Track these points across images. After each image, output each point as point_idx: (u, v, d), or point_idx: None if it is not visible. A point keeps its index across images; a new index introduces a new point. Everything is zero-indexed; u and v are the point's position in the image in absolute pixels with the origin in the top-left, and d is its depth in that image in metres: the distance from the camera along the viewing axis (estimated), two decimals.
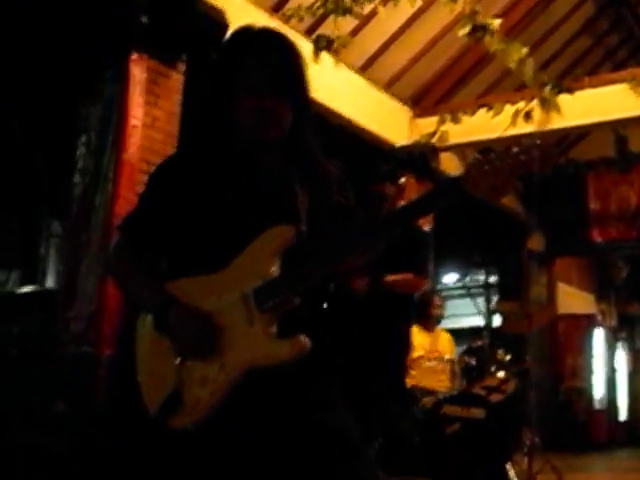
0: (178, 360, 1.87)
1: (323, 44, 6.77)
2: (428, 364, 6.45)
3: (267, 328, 1.80)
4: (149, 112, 5.35)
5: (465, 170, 1.72)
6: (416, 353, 6.23)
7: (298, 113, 1.95)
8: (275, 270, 1.82)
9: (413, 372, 6.17)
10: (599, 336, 12.92)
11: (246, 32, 1.99)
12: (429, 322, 6.62)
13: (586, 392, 12.09)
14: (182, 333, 1.85)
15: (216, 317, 1.84)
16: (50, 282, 8.34)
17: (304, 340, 1.77)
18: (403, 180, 4.72)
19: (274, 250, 1.83)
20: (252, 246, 1.84)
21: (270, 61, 1.91)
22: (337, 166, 2.08)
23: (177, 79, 5.59)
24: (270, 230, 1.84)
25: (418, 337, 6.24)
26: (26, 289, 7.54)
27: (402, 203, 4.55)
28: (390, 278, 4.29)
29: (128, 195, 5.14)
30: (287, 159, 1.99)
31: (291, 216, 1.89)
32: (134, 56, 5.26)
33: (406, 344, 4.88)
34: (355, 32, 7.19)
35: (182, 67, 5.62)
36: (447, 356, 6.59)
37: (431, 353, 6.52)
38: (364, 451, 1.89)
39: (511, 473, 5.47)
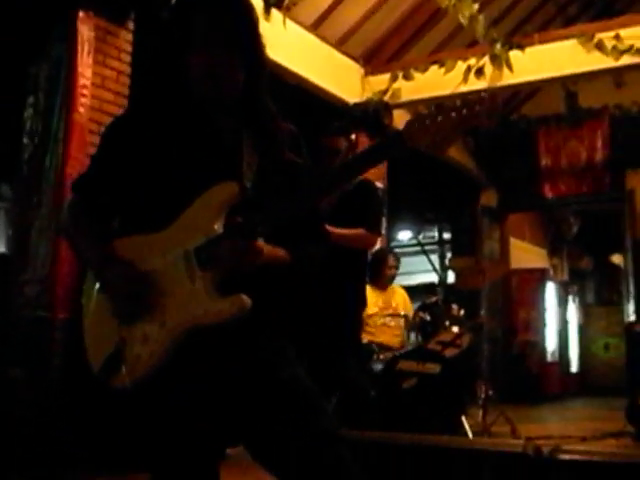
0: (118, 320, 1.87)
1: (273, 1, 6.68)
2: (382, 320, 6.52)
3: (208, 286, 1.80)
4: (98, 71, 5.26)
5: (406, 124, 1.73)
6: (369, 310, 6.30)
7: (251, 70, 1.94)
8: (218, 227, 1.81)
9: (369, 328, 6.24)
10: (551, 290, 13.14)
11: None
12: (382, 281, 6.67)
13: (539, 345, 12.31)
14: (115, 292, 1.85)
15: (159, 275, 1.84)
16: (1, 246, 8.24)
17: (244, 298, 1.77)
18: (354, 136, 4.72)
19: (218, 207, 1.82)
20: (196, 203, 1.84)
21: (219, 17, 1.89)
22: (291, 126, 2.07)
23: (126, 37, 5.49)
24: (214, 187, 1.83)
25: (371, 295, 6.30)
26: None
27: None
28: (340, 231, 4.29)
29: (78, 156, 5.06)
30: (239, 117, 1.98)
31: (236, 174, 1.88)
32: (82, 14, 5.14)
33: (361, 300, 4.91)
34: None
35: (131, 25, 5.53)
36: (401, 312, 6.66)
37: (385, 309, 6.58)
38: (317, 400, 1.90)
39: (466, 425, 5.58)
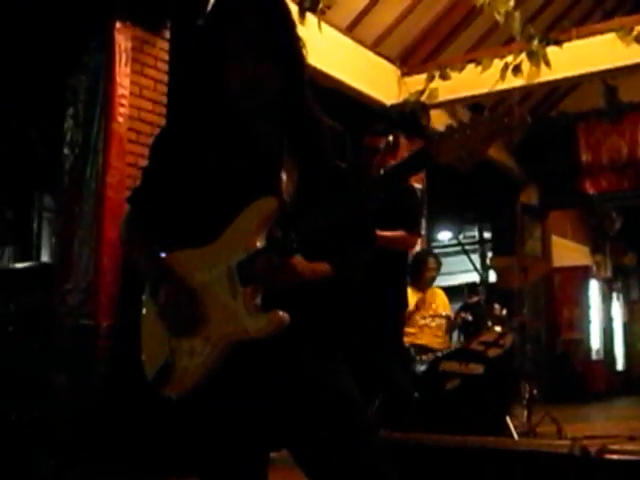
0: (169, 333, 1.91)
1: (308, 5, 6.69)
2: (424, 321, 6.49)
3: (248, 302, 1.81)
4: (136, 81, 5.31)
5: (435, 139, 1.72)
6: (409, 311, 6.29)
7: (290, 75, 1.93)
8: (260, 243, 1.82)
9: (409, 329, 6.22)
10: (594, 288, 13.00)
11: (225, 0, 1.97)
12: (422, 282, 6.64)
13: (583, 343, 12.18)
14: (166, 308, 1.88)
15: (205, 290, 1.87)
16: (45, 256, 8.35)
17: (282, 315, 1.78)
18: (391, 137, 4.73)
19: (259, 223, 1.83)
20: (239, 219, 1.85)
21: (253, 25, 1.88)
22: (336, 125, 2.06)
23: (162, 46, 5.54)
24: (254, 203, 1.83)
25: (411, 297, 6.28)
26: (21, 264, 7.54)
27: (391, 160, 4.58)
28: (381, 233, 4.29)
29: (118, 165, 5.12)
30: (279, 122, 1.97)
31: (275, 185, 1.89)
32: (118, 24, 5.20)
33: (402, 302, 4.90)
34: None
35: (167, 34, 5.57)
36: (442, 312, 6.62)
37: (425, 310, 6.55)
38: (359, 410, 1.90)
39: (511, 426, 5.53)
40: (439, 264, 6.92)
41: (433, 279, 6.83)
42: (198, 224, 1.93)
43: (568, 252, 12.58)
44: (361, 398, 1.91)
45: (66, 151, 5.33)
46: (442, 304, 6.78)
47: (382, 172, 1.90)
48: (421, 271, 6.63)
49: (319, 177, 1.96)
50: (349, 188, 1.90)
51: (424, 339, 6.39)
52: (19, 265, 7.58)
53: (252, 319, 1.80)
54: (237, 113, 1.95)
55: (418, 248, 7.42)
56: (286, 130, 1.97)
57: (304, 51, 1.98)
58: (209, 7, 2.05)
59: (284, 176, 1.92)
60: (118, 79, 5.18)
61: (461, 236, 14.55)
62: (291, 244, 1.79)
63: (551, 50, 7.34)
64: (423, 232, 8.51)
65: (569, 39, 7.39)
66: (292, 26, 1.96)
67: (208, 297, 1.87)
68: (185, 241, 1.95)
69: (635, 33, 7.01)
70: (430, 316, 6.53)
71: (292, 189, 1.91)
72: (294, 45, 1.95)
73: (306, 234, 1.79)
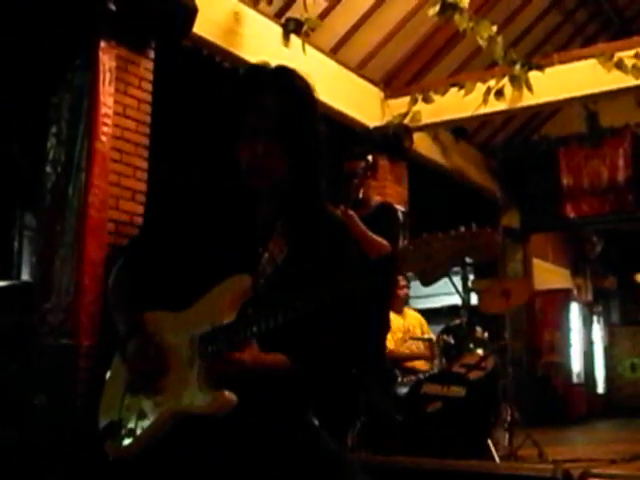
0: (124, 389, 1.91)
1: (292, 27, 6.73)
2: (405, 345, 6.49)
3: (202, 376, 1.81)
4: (120, 100, 5.30)
5: (403, 248, 1.70)
6: (396, 335, 6.28)
7: (298, 158, 1.92)
8: (227, 318, 1.81)
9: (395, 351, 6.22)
10: (575, 311, 13.04)
11: (255, 70, 1.99)
12: (396, 303, 6.63)
13: (564, 366, 12.20)
14: (133, 364, 1.88)
15: (168, 354, 1.87)
16: (25, 275, 8.28)
17: (228, 396, 1.77)
18: (370, 157, 4.72)
19: (231, 298, 1.84)
20: (213, 291, 1.86)
21: (266, 105, 1.89)
22: (341, 214, 2.07)
23: (147, 66, 5.54)
24: (230, 278, 1.84)
25: (393, 321, 6.28)
26: (1, 283, 7.48)
27: (371, 181, 4.56)
28: (363, 228, 4.22)
29: (101, 184, 5.10)
30: (282, 204, 1.97)
31: (255, 266, 1.89)
32: (103, 44, 5.19)
33: (384, 325, 4.89)
34: (324, 14, 7.17)
35: (151, 54, 5.58)
36: (419, 334, 6.62)
37: (406, 334, 6.55)
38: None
39: (492, 449, 5.52)
40: (409, 282, 6.93)
41: (407, 297, 6.83)
42: (180, 288, 1.94)
43: (549, 275, 12.63)
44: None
45: (48, 169, 5.30)
46: (418, 326, 6.78)
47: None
48: (393, 292, 6.61)
49: (306, 261, 1.92)
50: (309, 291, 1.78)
51: (406, 362, 6.38)
52: None
53: (200, 395, 1.79)
54: (241, 191, 1.95)
55: None
56: (283, 212, 1.97)
57: (319, 132, 1.98)
58: (193, 27, 2.08)
59: (265, 256, 1.91)
60: (102, 98, 5.17)
61: None
62: (245, 335, 1.78)
63: (533, 75, 7.41)
64: None
65: (551, 64, 7.47)
66: (310, 105, 1.98)
67: (168, 361, 1.87)
68: (166, 302, 1.95)
69: (616, 59, 7.09)
70: (412, 338, 6.53)
71: (270, 271, 1.91)
72: (307, 127, 1.94)
73: (262, 323, 1.76)
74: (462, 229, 1.67)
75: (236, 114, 1.91)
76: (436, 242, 1.65)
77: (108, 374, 2.01)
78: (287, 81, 1.95)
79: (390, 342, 6.16)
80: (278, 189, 1.94)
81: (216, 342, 1.79)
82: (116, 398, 1.91)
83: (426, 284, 1.67)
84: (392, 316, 6.34)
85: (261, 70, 1.98)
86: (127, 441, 1.85)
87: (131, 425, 1.85)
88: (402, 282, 6.76)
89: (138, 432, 1.84)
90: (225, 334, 1.79)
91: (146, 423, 1.84)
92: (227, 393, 1.76)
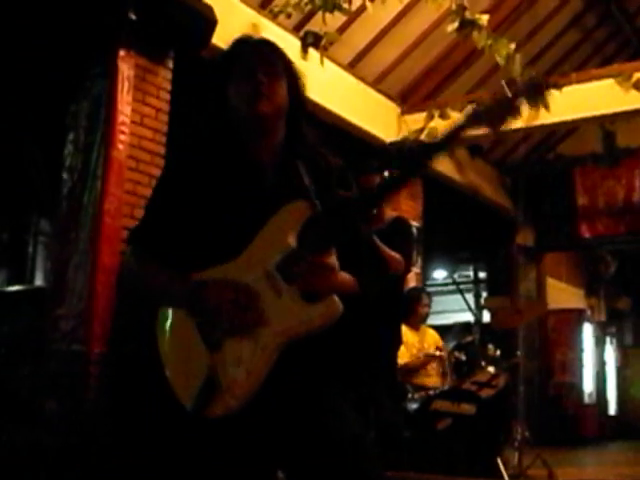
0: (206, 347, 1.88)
1: (310, 40, 6.75)
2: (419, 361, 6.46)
3: (296, 297, 1.84)
4: (137, 109, 5.32)
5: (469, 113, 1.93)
6: (410, 351, 6.27)
7: (294, 103, 2.02)
8: (292, 242, 1.87)
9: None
10: (588, 331, 12.96)
11: (239, 38, 2.08)
12: (415, 320, 6.62)
13: (575, 387, 12.12)
14: (219, 307, 1.85)
15: None
16: (39, 280, 8.32)
17: (337, 300, 1.82)
18: (387, 172, 4.72)
19: (291, 225, 1.89)
20: (266, 227, 1.90)
21: (263, 50, 2.01)
22: (337, 160, 2.13)
23: (165, 75, 5.56)
24: (284, 208, 1.89)
25: (408, 336, 6.26)
26: (15, 288, 7.52)
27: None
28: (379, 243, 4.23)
29: (116, 192, 5.12)
30: (287, 154, 2.03)
31: (303, 195, 1.94)
32: (122, 53, 5.22)
33: (397, 339, 4.87)
34: (343, 29, 7.18)
35: (170, 63, 5.60)
36: (436, 352, 6.59)
37: (419, 351, 6.53)
38: (364, 445, 1.91)
39: (502, 468, 5.48)
40: (431, 300, 6.91)
41: (427, 315, 6.81)
42: (215, 248, 1.94)
43: (563, 294, 12.57)
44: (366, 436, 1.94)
45: (65, 176, 5.33)
46: (433, 344, 6.76)
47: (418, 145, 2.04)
48: (414, 308, 6.61)
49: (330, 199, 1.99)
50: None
51: (417, 378, 6.35)
52: (12, 288, 7.56)
53: (306, 310, 1.83)
54: (247, 140, 2.00)
55: (411, 285, 7.43)
56: (293, 157, 2.03)
57: (304, 88, 2.07)
58: (212, 38, 2.15)
59: (307, 187, 1.97)
60: (120, 107, 5.19)
61: (456, 275, 14.54)
62: (326, 240, 1.86)
63: (550, 93, 7.39)
64: (418, 270, 8.51)
65: (568, 83, 7.46)
66: (295, 64, 2.08)
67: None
68: (202, 267, 1.93)
69: (634, 79, 7.08)
70: (424, 356, 6.50)
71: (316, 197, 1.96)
72: (297, 77, 2.06)
73: (336, 232, 1.86)
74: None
75: (227, 69, 2.00)
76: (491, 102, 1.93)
77: (165, 359, 1.96)
78: (274, 43, 2.08)
79: (405, 356, 6.15)
80: (277, 127, 2.01)
81: (295, 264, 1.84)
82: (194, 365, 1.88)
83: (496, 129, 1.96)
84: (408, 331, 6.36)
85: (250, 37, 2.09)
86: (233, 392, 1.82)
87: (231, 376, 1.83)
88: (425, 300, 6.75)
89: (242, 378, 1.82)
90: (299, 255, 1.85)
91: (249, 366, 1.82)
92: (335, 297, 1.82)
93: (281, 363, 1.83)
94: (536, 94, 1.98)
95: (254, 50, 2.01)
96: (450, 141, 1.93)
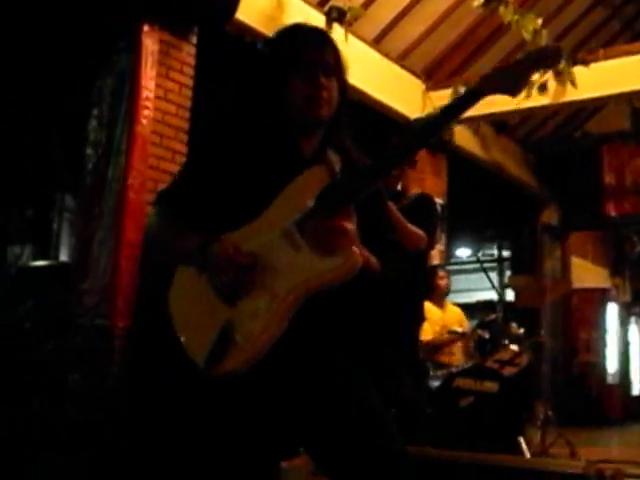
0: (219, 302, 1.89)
1: (335, 15, 6.70)
2: (442, 338, 6.46)
3: (315, 250, 1.86)
4: (161, 84, 5.33)
5: (486, 74, 2.01)
6: (434, 328, 6.27)
7: (343, 97, 2.09)
8: (310, 202, 1.91)
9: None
10: (613, 311, 12.86)
11: (294, 26, 2.14)
12: (437, 295, 6.61)
13: (599, 367, 12.06)
14: (224, 266, 1.87)
15: (258, 255, 1.89)
16: (64, 256, 8.38)
17: (356, 251, 1.84)
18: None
19: (310, 188, 1.93)
20: (285, 191, 1.94)
21: (320, 46, 2.05)
22: (364, 157, 2.16)
23: (189, 51, 5.56)
24: (304, 173, 1.95)
25: (432, 312, 6.26)
26: (40, 263, 7.58)
27: (409, 172, 4.55)
28: (400, 217, 4.21)
29: (140, 167, 5.13)
30: (325, 145, 2.08)
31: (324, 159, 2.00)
32: (146, 28, 5.23)
33: (418, 316, 4.87)
34: (368, 4, 7.13)
35: (194, 39, 5.60)
36: (459, 329, 6.59)
37: (443, 327, 6.53)
38: (385, 418, 1.94)
39: (524, 446, 5.47)
40: (449, 274, 6.90)
41: (448, 289, 6.78)
42: (239, 214, 1.97)
43: (587, 274, 12.48)
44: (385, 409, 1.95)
45: (89, 151, 5.35)
46: (457, 322, 6.75)
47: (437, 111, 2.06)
48: (433, 282, 6.59)
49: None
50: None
51: (441, 356, 6.35)
52: (38, 263, 7.62)
53: (326, 261, 1.85)
54: (293, 133, 2.06)
55: (435, 262, 7.41)
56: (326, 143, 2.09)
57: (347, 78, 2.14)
58: (236, 13, 2.16)
59: (331, 155, 2.02)
60: (143, 82, 5.20)
61: (480, 253, 14.49)
62: (341, 202, 1.90)
63: (578, 70, 7.29)
64: (442, 247, 8.48)
65: (596, 60, 7.36)
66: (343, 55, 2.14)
67: (263, 260, 1.88)
68: (222, 228, 1.96)
69: None
70: (448, 332, 6.50)
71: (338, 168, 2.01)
72: (346, 73, 2.12)
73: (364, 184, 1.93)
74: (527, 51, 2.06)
75: (286, 60, 2.03)
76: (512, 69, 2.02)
77: (176, 319, 1.98)
78: (329, 35, 2.15)
79: (429, 332, 6.16)
80: (325, 123, 2.07)
81: (311, 219, 1.89)
82: (207, 321, 1.89)
83: (518, 91, 2.01)
84: (433, 308, 6.38)
85: (301, 26, 2.14)
86: (248, 345, 1.83)
87: (247, 329, 1.84)
88: (442, 273, 6.74)
89: (257, 331, 1.83)
90: (319, 210, 1.89)
91: (266, 318, 1.83)
92: (354, 249, 1.84)
93: (298, 319, 1.85)
94: (553, 60, 1.96)
95: (314, 46, 2.05)
96: (460, 110, 1.98)
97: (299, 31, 2.11)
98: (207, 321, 1.89)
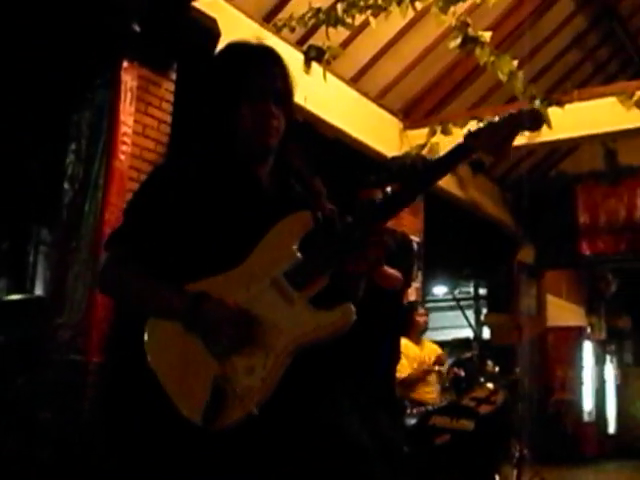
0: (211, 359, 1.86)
1: (313, 54, 6.77)
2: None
3: (308, 304, 1.85)
4: (140, 120, 5.34)
5: (473, 131, 1.95)
6: (412, 365, 6.25)
7: (287, 124, 2.05)
8: (298, 253, 1.88)
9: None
10: (588, 349, 12.94)
11: (242, 46, 2.07)
12: (414, 332, 6.59)
13: (575, 405, 12.09)
14: (217, 326, 1.83)
15: (249, 307, 1.86)
16: (39, 290, 8.31)
17: (351, 307, 1.83)
18: (389, 188, 4.71)
19: (294, 235, 1.90)
20: (269, 236, 1.90)
21: (272, 72, 2.00)
22: (319, 179, 2.15)
23: (168, 87, 5.59)
24: (288, 217, 1.91)
25: (410, 349, 6.25)
26: (14, 296, 7.51)
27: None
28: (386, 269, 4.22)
29: (118, 203, 5.13)
30: (277, 171, 2.06)
31: (304, 206, 1.97)
32: (125, 63, 5.25)
33: (395, 353, 4.86)
34: (346, 43, 7.21)
35: (173, 75, 5.63)
36: (436, 367, 6.57)
37: (421, 365, 6.52)
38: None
39: None
40: (427, 311, 6.90)
41: (426, 325, 6.77)
42: (213, 256, 1.91)
43: (563, 312, 12.55)
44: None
45: (66, 186, 5.34)
46: (435, 355, 6.74)
47: (423, 165, 2.07)
48: (412, 318, 6.59)
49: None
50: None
51: (417, 393, 6.34)
52: (12, 297, 7.54)
53: (321, 316, 1.84)
54: (244, 158, 2.01)
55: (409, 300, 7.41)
56: (278, 170, 2.07)
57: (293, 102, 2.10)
58: (216, 51, 2.12)
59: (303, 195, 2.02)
60: (122, 117, 5.21)
61: (456, 291, 14.54)
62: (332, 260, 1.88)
63: (553, 111, 7.40)
64: (418, 285, 8.51)
65: (571, 101, 7.48)
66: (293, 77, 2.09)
67: (256, 313, 1.85)
68: (198, 275, 1.90)
69: (636, 98, 7.10)
70: (424, 370, 6.48)
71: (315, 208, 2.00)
72: (293, 95, 2.08)
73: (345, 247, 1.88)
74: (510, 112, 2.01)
75: (233, 83, 1.98)
76: (499, 120, 1.98)
77: (161, 373, 1.90)
78: (275, 51, 2.07)
79: (406, 369, 6.14)
80: (274, 151, 2.04)
81: (305, 273, 1.86)
82: (197, 377, 1.85)
83: (504, 157, 2.09)
84: (410, 345, 6.35)
85: (249, 44, 2.07)
86: (249, 398, 1.81)
87: (245, 384, 1.81)
88: (421, 310, 6.74)
89: (257, 386, 1.81)
90: (309, 263, 1.87)
91: (263, 374, 1.81)
92: (349, 304, 1.84)
93: (291, 369, 1.84)
94: (532, 125, 1.97)
95: (266, 72, 2.00)
96: (449, 166, 1.97)
97: (250, 53, 2.04)
98: (196, 376, 1.85)
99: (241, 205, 1.95)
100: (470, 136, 1.95)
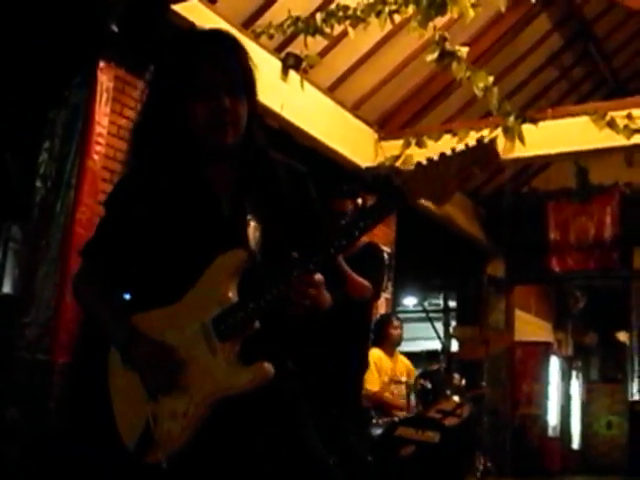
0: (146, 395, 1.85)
1: (291, 62, 6.78)
2: (389, 389, 6.44)
3: (229, 357, 1.78)
4: (114, 120, 5.33)
5: (405, 178, 1.73)
6: (383, 378, 6.25)
7: (250, 115, 1.91)
8: (232, 295, 1.80)
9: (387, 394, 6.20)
10: (555, 364, 13.03)
11: (191, 35, 1.96)
12: (388, 344, 6.59)
13: (540, 419, 12.16)
14: (145, 367, 1.83)
15: (181, 351, 1.82)
16: (7, 287, 8.24)
17: (267, 367, 1.75)
18: (360, 200, 4.72)
19: (228, 275, 1.80)
20: (207, 273, 1.82)
21: (224, 62, 1.86)
22: (298, 166, 2.04)
23: (143, 88, 5.56)
24: (222, 256, 1.81)
25: (383, 361, 6.26)
26: None
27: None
28: (347, 269, 4.22)
29: (89, 202, 5.10)
30: (240, 167, 1.94)
31: (241, 240, 1.85)
32: (102, 64, 5.24)
33: (363, 363, 4.87)
34: (324, 53, 7.23)
35: (149, 77, 5.60)
36: (403, 378, 6.59)
37: (391, 378, 6.52)
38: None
39: None
40: (402, 323, 6.91)
41: (400, 338, 6.76)
42: (161, 282, 1.89)
43: (530, 327, 12.63)
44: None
45: (38, 184, 5.31)
46: (404, 370, 6.75)
47: (350, 218, 1.90)
48: (386, 331, 6.58)
49: (282, 225, 1.93)
50: (314, 239, 1.84)
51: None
52: None
53: (236, 374, 1.77)
54: (201, 159, 1.91)
55: (381, 312, 7.43)
56: (243, 166, 1.94)
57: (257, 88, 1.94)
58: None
59: (251, 224, 1.88)
60: (97, 117, 5.19)
61: (426, 303, 14.57)
62: (311, 259, 1.75)
63: (526, 128, 7.46)
64: (388, 296, 8.53)
65: (544, 118, 7.54)
66: (252, 65, 1.94)
67: (185, 356, 1.82)
68: (148, 300, 1.89)
69: (608, 118, 7.17)
70: (394, 382, 6.48)
71: (258, 241, 1.88)
72: (255, 84, 1.92)
73: (275, 290, 1.75)
74: (461, 146, 1.72)
75: (184, 77, 1.85)
76: (441, 164, 1.70)
77: (111, 383, 1.94)
78: (231, 37, 1.92)
79: (377, 382, 6.13)
80: (236, 145, 1.89)
81: (230, 321, 1.78)
82: (136, 408, 1.85)
83: (440, 204, 1.75)
84: (383, 357, 6.35)
85: (201, 31, 1.95)
86: (167, 444, 1.79)
87: (166, 428, 1.80)
88: (396, 322, 6.73)
89: (176, 432, 1.79)
90: (239, 310, 1.77)
91: (183, 421, 1.79)
92: (265, 364, 1.75)
93: (215, 416, 1.80)
94: (488, 160, 1.71)
95: (217, 62, 1.85)
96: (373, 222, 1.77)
97: (199, 42, 1.90)
98: (136, 408, 1.85)
99: (193, 227, 1.88)
100: (406, 182, 1.73)
